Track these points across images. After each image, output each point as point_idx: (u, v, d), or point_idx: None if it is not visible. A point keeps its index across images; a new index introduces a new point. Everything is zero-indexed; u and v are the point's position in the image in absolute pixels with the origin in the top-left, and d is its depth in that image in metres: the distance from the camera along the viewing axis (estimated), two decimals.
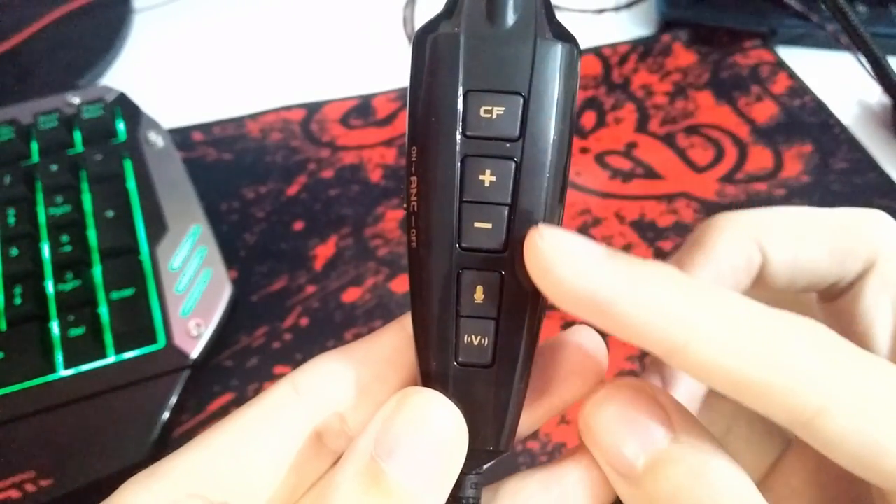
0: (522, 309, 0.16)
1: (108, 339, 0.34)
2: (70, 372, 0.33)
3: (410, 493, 0.14)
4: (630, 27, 0.55)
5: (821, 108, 0.47)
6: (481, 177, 0.15)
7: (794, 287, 0.18)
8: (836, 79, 0.48)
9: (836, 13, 0.41)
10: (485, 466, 0.17)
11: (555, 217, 0.16)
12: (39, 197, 0.39)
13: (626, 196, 0.42)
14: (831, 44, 0.49)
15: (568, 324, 0.36)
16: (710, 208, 0.41)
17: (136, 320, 0.34)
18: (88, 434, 0.31)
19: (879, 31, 0.45)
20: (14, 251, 0.36)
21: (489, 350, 0.16)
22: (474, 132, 0.15)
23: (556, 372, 0.18)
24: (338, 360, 0.18)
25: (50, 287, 0.35)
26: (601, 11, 0.56)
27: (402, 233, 0.41)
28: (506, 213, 0.16)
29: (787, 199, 0.41)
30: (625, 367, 0.35)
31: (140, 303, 0.34)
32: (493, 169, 0.15)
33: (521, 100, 0.15)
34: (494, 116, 0.15)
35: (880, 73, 0.43)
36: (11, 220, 0.37)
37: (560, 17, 0.16)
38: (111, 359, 0.33)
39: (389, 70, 0.52)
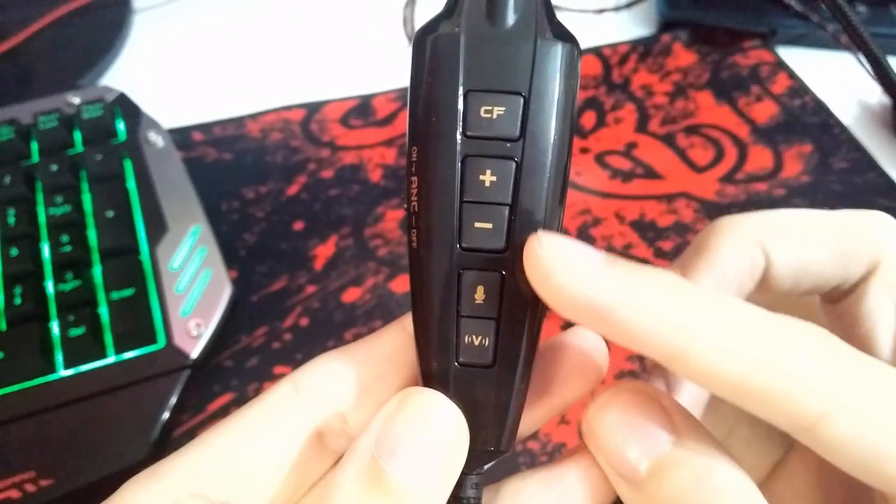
0: (523, 309, 0.16)
1: (108, 339, 0.34)
2: (70, 372, 0.33)
3: (411, 493, 0.14)
4: (630, 27, 0.55)
5: (821, 108, 0.47)
6: (482, 177, 0.15)
7: (797, 290, 0.18)
8: (836, 79, 0.48)
9: (836, 13, 0.41)
10: (486, 466, 0.17)
11: (555, 217, 0.16)
12: (39, 197, 0.39)
13: (626, 196, 0.42)
14: (831, 44, 0.49)
15: (568, 324, 0.36)
16: (710, 208, 0.41)
17: (136, 320, 0.34)
18: (88, 434, 0.31)
19: (879, 31, 0.45)
20: (14, 251, 0.36)
21: (490, 350, 0.16)
22: (475, 132, 0.15)
23: (557, 372, 0.18)
24: (339, 360, 0.18)
25: (50, 287, 0.35)
26: (601, 11, 0.56)
27: (402, 233, 0.41)
28: (506, 213, 0.16)
29: (787, 199, 0.41)
30: (625, 367, 0.35)
31: (140, 303, 0.34)
32: (494, 169, 0.15)
33: (522, 100, 0.15)
34: (495, 116, 0.15)
35: (880, 73, 0.43)
36: (11, 220, 0.37)
37: (560, 17, 0.16)
38: (111, 359, 0.33)
39: (389, 70, 0.52)
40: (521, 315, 0.16)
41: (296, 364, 0.35)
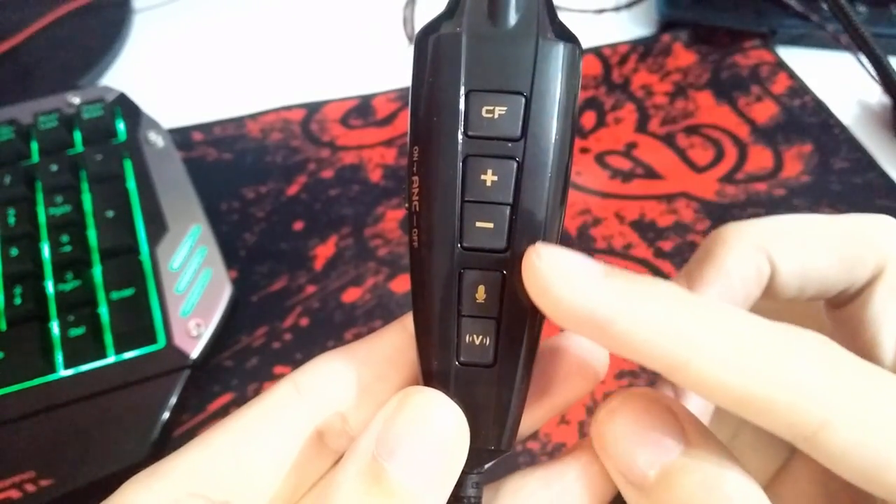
0: (524, 309, 0.16)
1: (108, 339, 0.34)
2: (70, 372, 0.33)
3: (412, 492, 0.14)
4: (630, 27, 0.55)
5: (821, 108, 0.47)
6: (483, 176, 0.15)
7: (803, 296, 0.18)
8: (836, 79, 0.48)
9: (836, 13, 0.41)
10: (486, 466, 0.17)
11: (557, 217, 0.16)
12: (39, 197, 0.39)
13: (626, 196, 0.42)
14: (831, 44, 0.49)
15: None
16: (710, 208, 0.41)
17: (136, 320, 0.34)
18: (88, 434, 0.31)
19: (880, 31, 0.45)
20: (14, 251, 0.36)
21: (491, 349, 0.16)
22: (476, 132, 0.15)
23: (557, 372, 0.18)
24: (339, 360, 0.18)
25: (50, 287, 0.35)
26: (601, 11, 0.56)
27: (402, 233, 0.41)
28: (507, 212, 0.16)
29: (787, 199, 0.41)
30: (625, 366, 0.35)
31: (140, 303, 0.34)
32: (495, 168, 0.15)
33: (523, 99, 0.15)
34: (496, 116, 0.15)
35: (881, 72, 0.43)
36: (11, 220, 0.37)
37: (560, 17, 0.16)
38: (111, 359, 0.33)
39: (389, 70, 0.52)
40: (522, 314, 0.16)
41: (296, 364, 0.35)
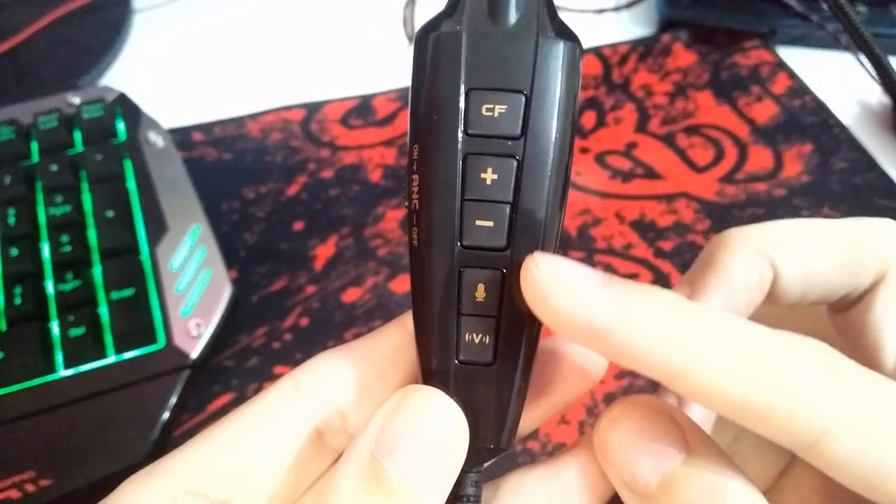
0: (524, 307, 0.16)
1: (108, 339, 0.34)
2: (70, 372, 0.33)
3: (411, 490, 0.14)
4: (630, 27, 0.55)
5: (821, 108, 0.47)
6: (483, 175, 0.15)
7: (805, 301, 0.18)
8: (836, 79, 0.48)
9: (836, 13, 0.41)
10: (486, 464, 0.17)
11: (556, 215, 0.16)
12: (39, 197, 0.39)
13: (626, 196, 0.42)
14: (831, 44, 0.49)
15: None
16: (710, 208, 0.41)
17: (136, 320, 0.34)
18: (88, 434, 0.31)
19: (880, 31, 0.45)
20: (14, 251, 0.36)
21: (490, 348, 0.16)
22: (476, 130, 0.15)
23: (557, 371, 0.18)
24: (339, 359, 0.18)
25: (50, 287, 0.35)
26: (601, 11, 0.56)
27: (402, 233, 0.41)
28: (507, 211, 0.16)
29: (787, 200, 0.41)
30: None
31: (140, 303, 0.34)
32: (495, 167, 0.15)
33: (523, 98, 0.15)
34: (496, 114, 0.15)
35: (881, 73, 0.43)
36: (11, 220, 0.37)
37: (560, 16, 0.16)
38: (111, 359, 0.33)
39: (389, 70, 0.52)
40: (522, 313, 0.16)
41: (296, 364, 0.35)
